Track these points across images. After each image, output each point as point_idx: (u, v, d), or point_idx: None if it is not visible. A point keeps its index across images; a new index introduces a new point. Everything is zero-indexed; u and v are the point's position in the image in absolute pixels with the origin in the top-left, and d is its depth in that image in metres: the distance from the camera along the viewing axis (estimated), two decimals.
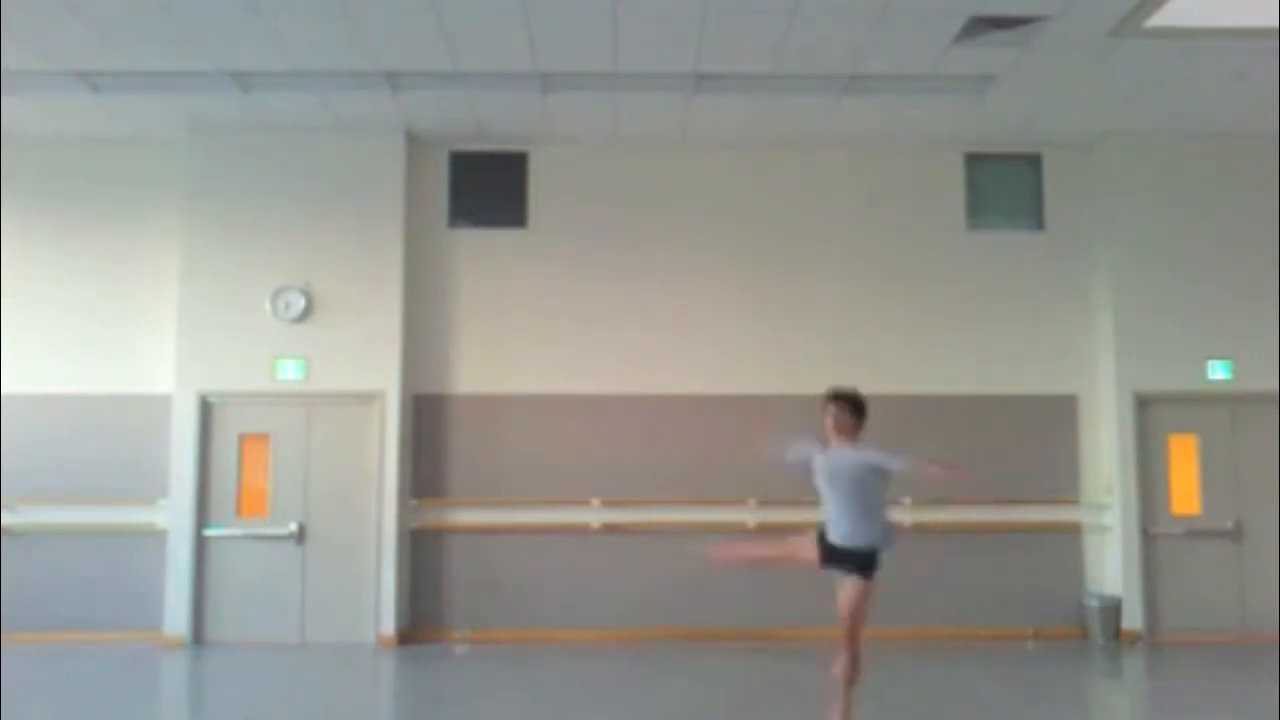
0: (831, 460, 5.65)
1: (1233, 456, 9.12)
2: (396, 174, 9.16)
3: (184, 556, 8.80)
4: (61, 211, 9.25)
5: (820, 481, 5.67)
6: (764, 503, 8.91)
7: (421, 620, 9.04)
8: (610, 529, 9.10)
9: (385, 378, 9.01)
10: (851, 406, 5.71)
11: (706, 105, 8.56)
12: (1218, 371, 9.11)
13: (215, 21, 7.14)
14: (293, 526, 8.95)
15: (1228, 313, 9.09)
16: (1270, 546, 8.96)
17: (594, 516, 9.11)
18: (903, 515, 8.81)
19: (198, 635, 8.80)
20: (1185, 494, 9.16)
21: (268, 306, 9.00)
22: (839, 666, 5.60)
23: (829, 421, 5.70)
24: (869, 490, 5.57)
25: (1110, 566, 9.09)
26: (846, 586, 5.58)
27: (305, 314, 9.00)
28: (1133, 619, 8.90)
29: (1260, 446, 9.08)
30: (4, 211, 9.18)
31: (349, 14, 7.03)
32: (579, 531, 9.09)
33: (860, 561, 5.55)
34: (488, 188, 9.48)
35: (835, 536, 5.60)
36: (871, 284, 9.37)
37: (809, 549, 5.72)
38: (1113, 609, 8.90)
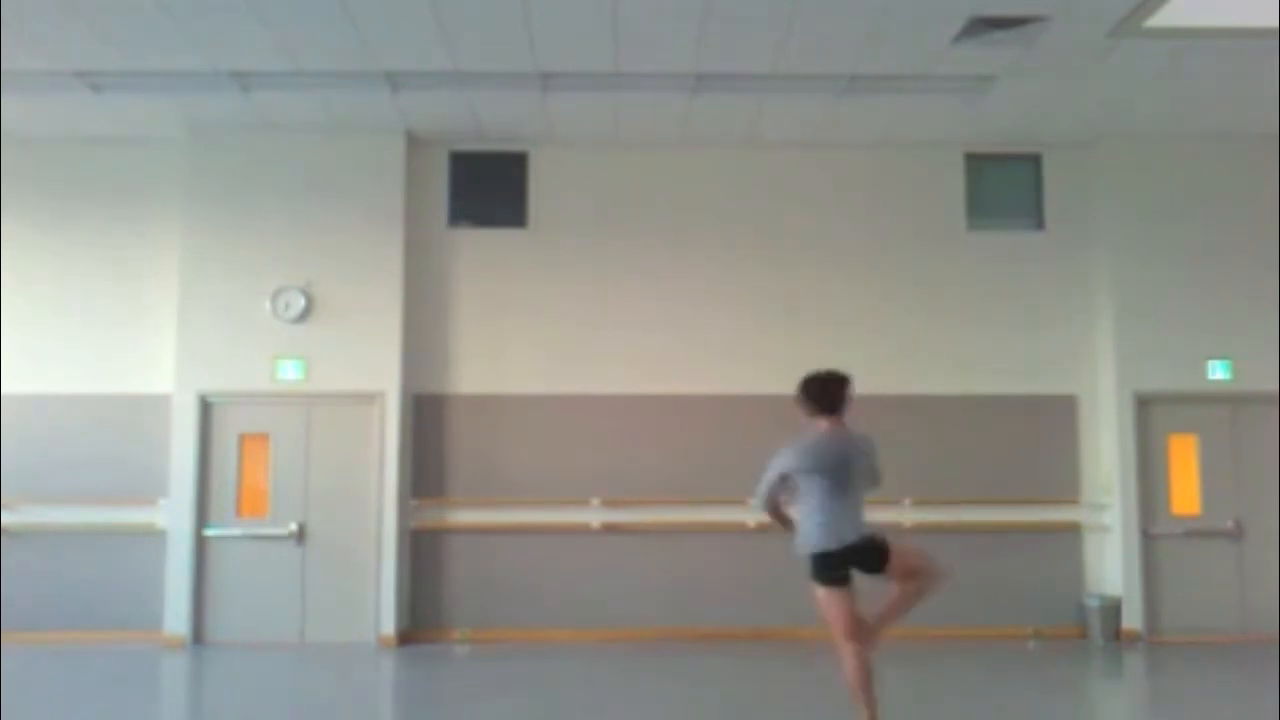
0: (839, 448, 5.38)
1: (1233, 456, 9.12)
2: (396, 174, 9.15)
3: (184, 556, 8.80)
4: (61, 211, 9.24)
5: (818, 475, 5.31)
6: None
7: (421, 620, 9.05)
8: (610, 529, 9.11)
9: (385, 378, 9.01)
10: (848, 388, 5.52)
11: (707, 105, 8.56)
12: (1218, 371, 9.11)
13: (215, 21, 7.14)
14: (293, 526, 8.95)
15: (1228, 313, 9.09)
16: (1270, 546, 8.96)
17: (594, 516, 9.11)
18: (902, 515, 8.86)
19: (198, 635, 8.81)
20: (1185, 494, 9.16)
21: (268, 306, 9.00)
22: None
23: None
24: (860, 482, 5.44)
25: (1110, 566, 9.09)
26: (848, 591, 5.32)
27: (305, 314, 9.00)
28: (1133, 619, 8.90)
29: (1260, 446, 9.08)
30: (4, 211, 9.18)
31: (349, 14, 7.03)
32: (579, 531, 9.09)
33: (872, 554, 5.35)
34: (488, 188, 9.48)
35: (851, 533, 5.30)
36: (872, 284, 9.37)
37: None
38: (1113, 609, 8.90)
